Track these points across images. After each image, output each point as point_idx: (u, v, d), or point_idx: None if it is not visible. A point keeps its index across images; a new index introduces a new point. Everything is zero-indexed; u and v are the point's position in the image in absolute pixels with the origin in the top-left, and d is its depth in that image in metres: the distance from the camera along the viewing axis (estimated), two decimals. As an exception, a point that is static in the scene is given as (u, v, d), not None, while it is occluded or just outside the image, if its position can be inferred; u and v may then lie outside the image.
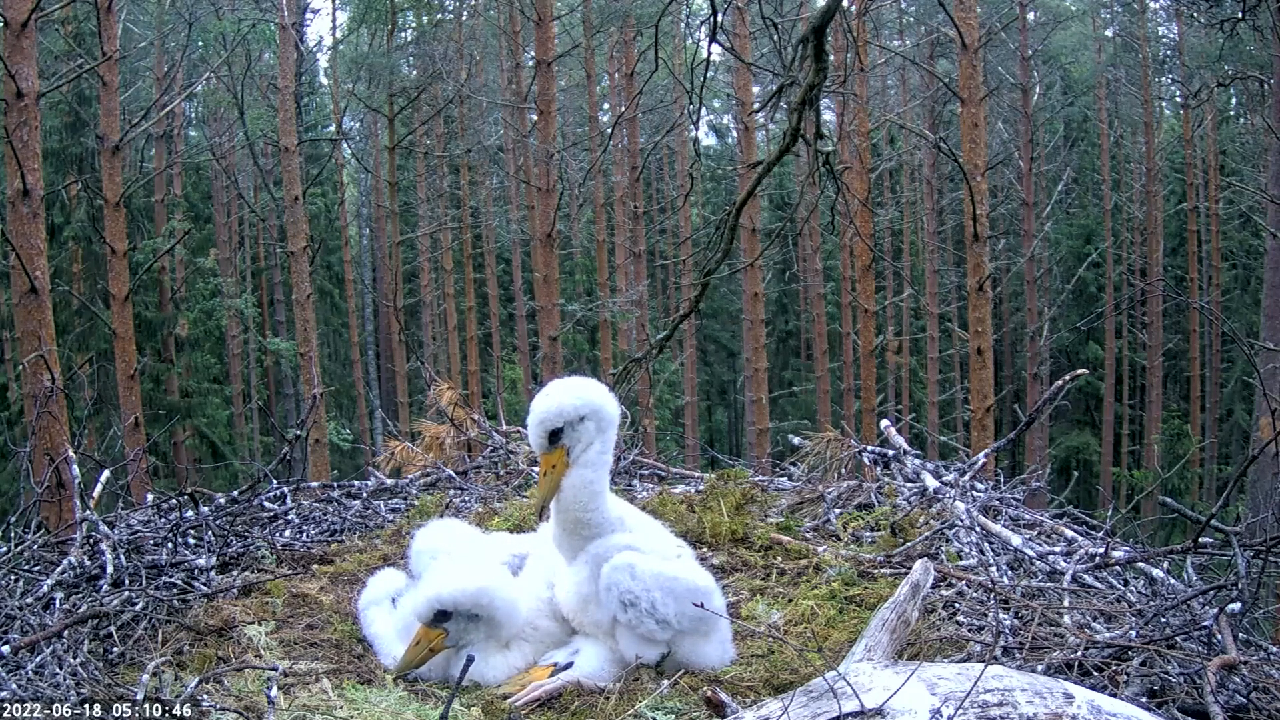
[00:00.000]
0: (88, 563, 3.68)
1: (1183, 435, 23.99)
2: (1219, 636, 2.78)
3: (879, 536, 4.27)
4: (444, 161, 24.72)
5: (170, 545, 3.93)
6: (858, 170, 16.08)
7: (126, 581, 3.56)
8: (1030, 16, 22.01)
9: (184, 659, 3.13)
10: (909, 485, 4.73)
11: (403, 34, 24.14)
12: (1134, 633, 2.91)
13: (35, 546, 3.74)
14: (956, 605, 3.34)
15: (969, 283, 10.93)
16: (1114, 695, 2.52)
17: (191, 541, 4.08)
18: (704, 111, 23.13)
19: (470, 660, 2.99)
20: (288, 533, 4.51)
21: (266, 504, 4.75)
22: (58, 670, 2.85)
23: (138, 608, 3.31)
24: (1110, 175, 26.41)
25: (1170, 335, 25.46)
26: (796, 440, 5.72)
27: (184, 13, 17.17)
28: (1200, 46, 22.02)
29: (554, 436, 3.21)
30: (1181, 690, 2.63)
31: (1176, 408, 26.57)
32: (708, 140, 34.28)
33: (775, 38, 6.46)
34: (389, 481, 5.47)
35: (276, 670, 2.98)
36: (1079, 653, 2.78)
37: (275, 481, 4.94)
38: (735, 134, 26.33)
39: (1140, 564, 3.53)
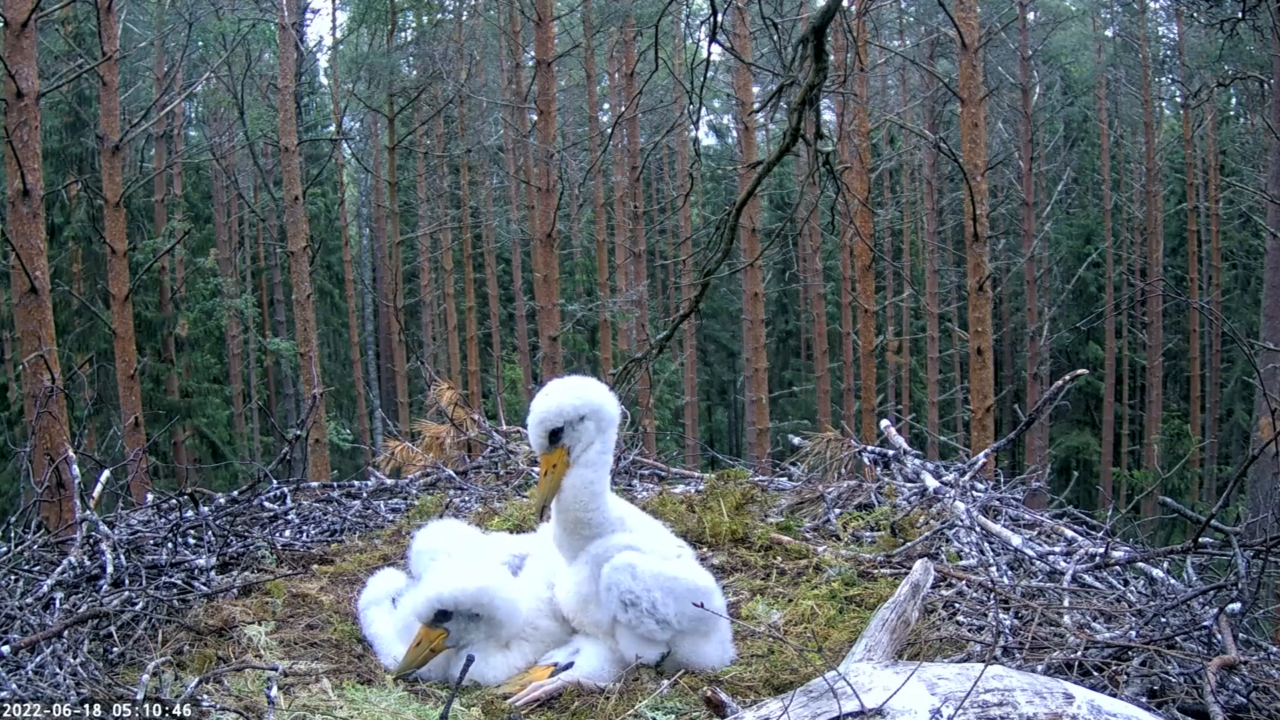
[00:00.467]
0: (88, 563, 3.68)
1: (1183, 435, 23.98)
2: (1219, 636, 2.78)
3: (879, 536, 4.27)
4: (444, 161, 24.71)
5: (170, 545, 3.93)
6: (858, 170, 16.07)
7: (126, 581, 3.56)
8: (1030, 16, 22.00)
9: (184, 659, 3.12)
10: (909, 485, 4.73)
11: (403, 34, 24.13)
12: (1134, 633, 2.91)
13: (35, 546, 3.74)
14: (956, 605, 3.34)
15: (969, 283, 10.93)
16: (1114, 695, 2.52)
17: (191, 541, 4.08)
18: (704, 111, 23.12)
19: (470, 660, 2.99)
20: (288, 533, 4.51)
21: (266, 504, 4.75)
22: (58, 670, 2.85)
23: (138, 608, 3.31)
24: (1110, 175, 26.40)
25: (1170, 335, 25.44)
26: (796, 440, 5.71)
27: (184, 13, 17.17)
28: (1200, 46, 22.01)
29: (554, 436, 3.20)
30: (1181, 690, 2.63)
31: (1176, 408, 26.56)
32: (708, 140, 34.31)
33: (775, 38, 6.47)
34: (389, 481, 5.46)
35: (276, 670, 2.98)
36: (1079, 653, 2.78)
37: (275, 481, 4.94)
38: (735, 134, 26.34)
39: (1140, 564, 3.53)
